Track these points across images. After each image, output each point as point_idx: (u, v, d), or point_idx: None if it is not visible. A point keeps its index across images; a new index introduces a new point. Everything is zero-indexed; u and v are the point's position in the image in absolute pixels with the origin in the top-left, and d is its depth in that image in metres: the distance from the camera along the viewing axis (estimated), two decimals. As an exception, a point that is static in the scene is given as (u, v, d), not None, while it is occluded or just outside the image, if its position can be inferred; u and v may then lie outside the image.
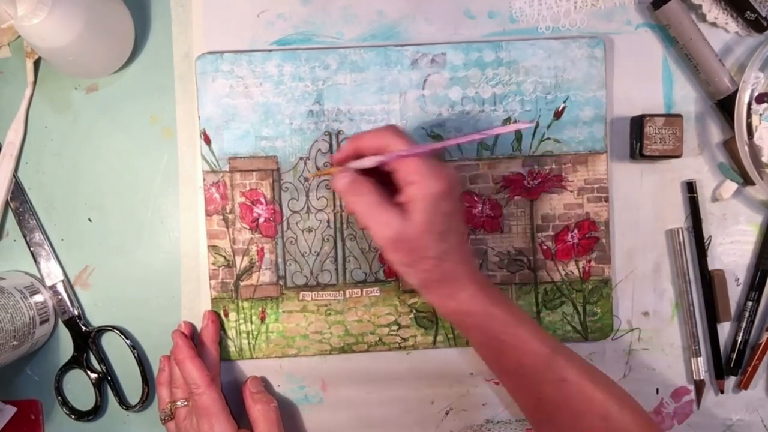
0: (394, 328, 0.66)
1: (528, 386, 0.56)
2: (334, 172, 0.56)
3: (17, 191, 0.65)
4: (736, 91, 0.63)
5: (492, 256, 0.66)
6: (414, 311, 0.66)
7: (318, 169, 0.65)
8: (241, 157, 0.64)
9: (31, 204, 0.66)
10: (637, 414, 0.55)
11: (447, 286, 0.55)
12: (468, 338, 0.58)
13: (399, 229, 0.51)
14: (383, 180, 0.54)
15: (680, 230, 0.66)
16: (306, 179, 0.65)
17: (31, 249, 0.65)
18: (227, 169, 0.64)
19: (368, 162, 0.53)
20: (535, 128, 0.65)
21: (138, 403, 0.66)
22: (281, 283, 0.65)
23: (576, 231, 0.65)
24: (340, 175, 0.54)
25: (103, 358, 0.66)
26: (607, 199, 0.65)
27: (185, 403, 0.62)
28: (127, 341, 0.65)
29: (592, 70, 0.65)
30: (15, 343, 0.60)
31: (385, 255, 0.54)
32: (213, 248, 0.65)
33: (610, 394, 0.55)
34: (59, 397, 0.66)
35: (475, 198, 0.65)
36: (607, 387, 0.55)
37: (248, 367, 0.67)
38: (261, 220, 0.65)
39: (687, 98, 0.66)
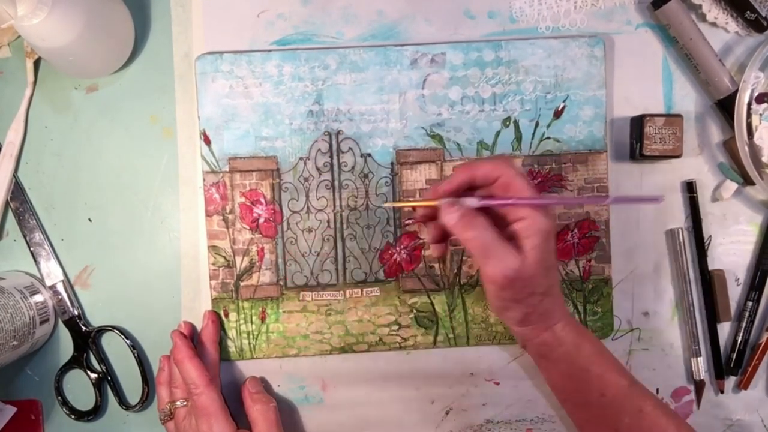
0: (395, 328, 0.66)
1: (608, 417, 0.56)
2: (435, 204, 0.54)
3: (17, 191, 0.65)
4: (736, 91, 0.63)
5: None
6: (414, 311, 0.66)
7: (399, 199, 0.64)
8: (241, 158, 0.64)
9: (31, 204, 0.66)
10: None
11: (545, 319, 0.56)
12: (548, 371, 0.59)
13: (517, 267, 0.51)
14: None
15: (680, 230, 0.66)
16: (306, 179, 0.65)
17: (31, 249, 0.65)
18: (227, 170, 0.65)
19: (495, 202, 0.53)
20: (535, 127, 0.65)
21: (138, 403, 0.66)
22: (281, 283, 0.65)
23: (576, 230, 0.65)
24: (451, 209, 0.53)
25: (103, 358, 0.66)
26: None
27: (185, 403, 0.62)
28: (127, 341, 0.65)
29: (591, 70, 0.65)
30: (15, 343, 0.60)
31: (492, 292, 0.54)
32: (213, 248, 0.65)
33: (680, 426, 0.56)
34: (59, 397, 0.66)
35: (475, 198, 0.65)
36: (676, 419, 0.56)
37: (248, 367, 0.67)
38: (261, 220, 0.65)
39: (687, 98, 0.66)
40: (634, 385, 0.56)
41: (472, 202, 0.53)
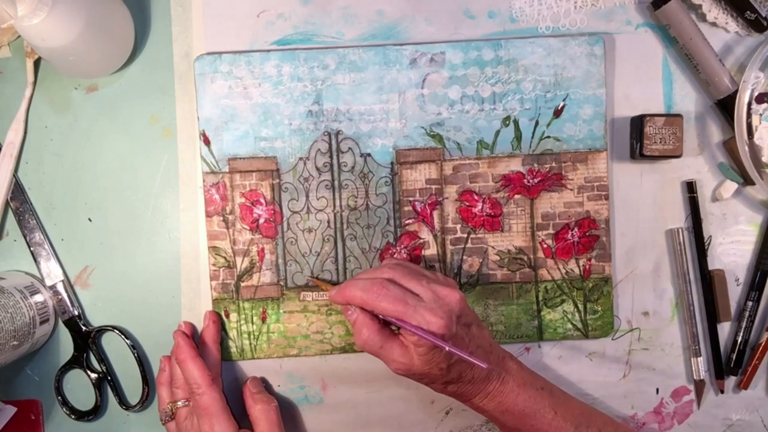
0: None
1: None
2: (329, 291, 0.60)
3: (17, 191, 0.65)
4: (736, 91, 0.63)
5: (492, 254, 0.66)
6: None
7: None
8: (240, 158, 0.64)
9: (31, 204, 0.66)
10: None
11: (460, 397, 0.60)
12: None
13: (406, 367, 0.56)
14: None
15: (680, 230, 0.66)
16: (306, 179, 0.65)
17: (31, 249, 0.65)
18: (227, 170, 0.65)
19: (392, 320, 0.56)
20: (535, 126, 0.65)
21: (138, 403, 0.66)
22: (282, 283, 0.65)
23: (576, 229, 0.65)
24: (347, 312, 0.58)
25: (103, 358, 0.66)
26: (607, 197, 0.65)
27: (186, 403, 0.62)
28: (127, 341, 0.65)
29: (591, 68, 0.65)
30: (15, 343, 0.60)
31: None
32: (213, 249, 0.65)
33: None
34: (59, 397, 0.66)
35: (475, 197, 0.65)
36: None
37: (249, 368, 0.67)
38: (261, 220, 0.65)
39: (687, 98, 0.66)
40: (580, 429, 0.59)
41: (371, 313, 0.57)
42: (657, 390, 0.68)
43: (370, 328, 0.57)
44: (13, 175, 0.65)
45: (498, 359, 0.59)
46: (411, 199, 0.65)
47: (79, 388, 0.67)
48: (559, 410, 0.59)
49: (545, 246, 0.66)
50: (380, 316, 0.56)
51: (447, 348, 0.53)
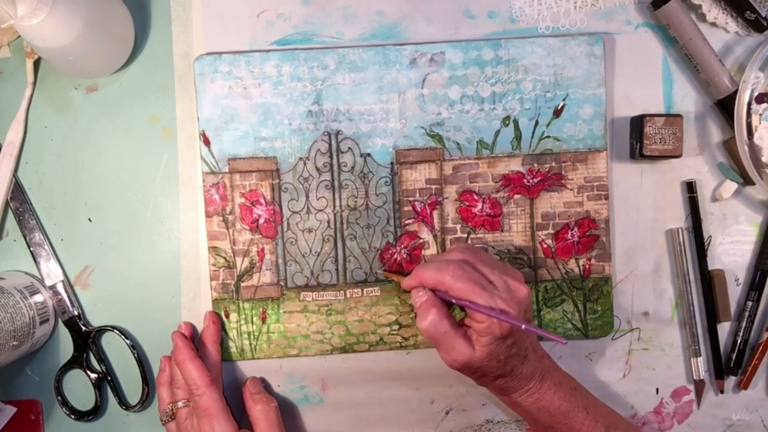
0: (395, 327, 0.66)
1: None
2: (401, 280, 0.60)
3: (17, 191, 0.65)
4: (736, 91, 0.63)
5: (492, 254, 0.66)
6: (415, 310, 0.66)
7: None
8: (240, 158, 0.64)
9: (31, 204, 0.66)
10: None
11: (501, 392, 0.60)
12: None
13: (466, 359, 0.55)
14: None
15: (680, 230, 0.66)
16: (306, 179, 0.65)
17: (31, 249, 0.65)
18: (227, 171, 0.65)
19: (451, 299, 0.56)
20: (535, 126, 0.65)
21: (138, 403, 0.66)
22: (282, 283, 0.65)
23: (576, 229, 0.65)
24: (417, 294, 0.58)
25: (103, 358, 0.66)
26: (607, 197, 0.65)
27: (186, 403, 0.62)
28: (127, 341, 0.65)
29: (591, 68, 0.65)
30: (15, 343, 0.60)
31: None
32: (213, 249, 0.65)
33: None
34: (59, 397, 0.66)
35: (475, 197, 0.65)
36: None
37: (249, 368, 0.67)
38: (261, 220, 0.65)
39: (687, 98, 0.66)
40: (610, 430, 0.59)
41: (444, 296, 0.57)
42: (657, 390, 0.68)
43: (439, 310, 0.56)
44: (13, 175, 0.65)
45: (539, 357, 0.59)
46: (411, 199, 0.65)
47: (79, 388, 0.67)
48: (591, 411, 0.59)
49: (545, 246, 0.66)
50: (452, 301, 0.56)
51: (524, 327, 0.53)
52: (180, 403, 0.62)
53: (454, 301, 0.55)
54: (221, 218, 0.65)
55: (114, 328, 0.66)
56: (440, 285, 0.55)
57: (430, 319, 0.56)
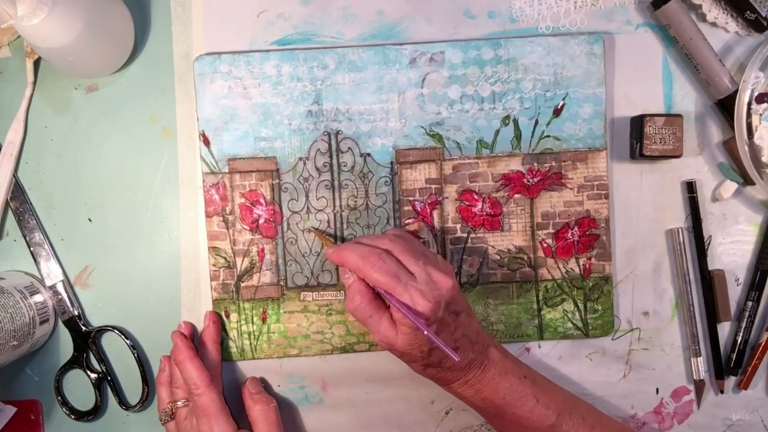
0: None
1: None
2: (328, 247, 0.61)
3: (17, 191, 0.65)
4: (736, 91, 0.63)
5: (492, 254, 0.66)
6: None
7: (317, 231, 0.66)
8: (240, 158, 0.64)
9: (31, 204, 0.66)
10: None
11: (440, 381, 0.60)
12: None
13: (388, 341, 0.57)
14: None
15: (680, 230, 0.66)
16: (305, 179, 0.65)
17: (31, 249, 0.66)
18: (227, 171, 0.65)
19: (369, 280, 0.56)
20: (534, 126, 0.65)
21: (138, 403, 0.66)
22: (282, 283, 0.65)
23: (576, 228, 0.65)
24: (344, 276, 0.59)
25: (103, 358, 0.66)
26: (607, 196, 0.65)
27: (186, 403, 0.62)
28: (127, 341, 0.65)
29: (591, 67, 0.65)
30: (15, 343, 0.60)
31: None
32: (213, 249, 0.65)
33: None
34: (59, 397, 0.66)
35: (475, 196, 0.65)
36: None
37: (249, 368, 0.67)
38: (261, 220, 0.65)
39: (687, 98, 0.66)
40: (563, 417, 0.59)
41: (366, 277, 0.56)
42: (657, 390, 0.68)
43: (363, 295, 0.57)
44: (13, 175, 0.65)
45: (482, 348, 0.59)
46: (411, 198, 0.65)
47: (79, 388, 0.67)
48: (541, 398, 0.59)
49: (545, 245, 0.66)
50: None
51: (425, 332, 0.53)
52: (179, 403, 0.62)
53: (386, 296, 0.56)
54: (221, 218, 0.65)
55: (114, 328, 0.66)
56: (359, 272, 0.56)
57: (356, 304, 0.57)
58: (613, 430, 0.61)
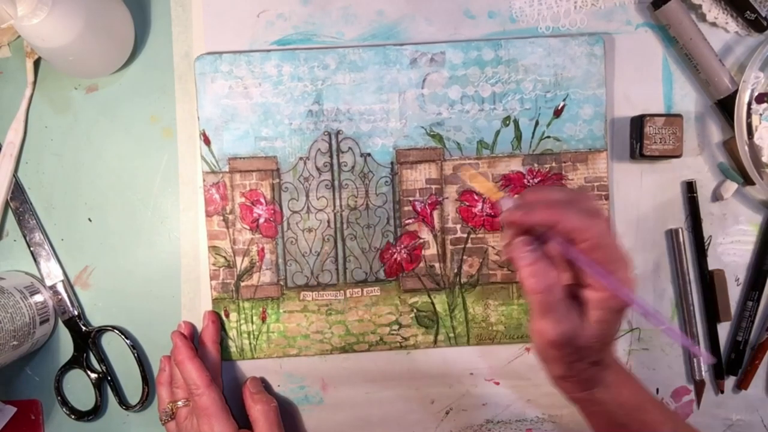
0: (395, 327, 0.66)
1: None
2: (499, 199, 0.50)
3: (17, 191, 0.65)
4: (736, 91, 0.63)
5: (492, 255, 0.66)
6: (415, 310, 0.66)
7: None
8: (240, 158, 0.64)
9: (31, 204, 0.66)
10: None
11: (585, 385, 0.52)
12: (587, 418, 0.56)
13: (573, 335, 0.47)
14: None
15: (680, 230, 0.66)
16: (306, 179, 0.65)
17: (31, 249, 0.65)
18: (227, 170, 0.65)
19: (588, 267, 0.46)
20: (535, 126, 0.65)
21: (138, 403, 0.66)
22: (282, 283, 0.65)
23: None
24: (524, 249, 0.47)
25: (103, 358, 0.66)
26: (607, 197, 0.65)
27: (186, 403, 0.62)
28: (127, 341, 0.65)
29: (591, 68, 0.65)
30: (15, 343, 0.60)
31: (539, 344, 0.49)
32: (213, 249, 0.65)
33: None
34: (59, 397, 0.66)
35: (475, 197, 0.65)
36: None
37: (249, 368, 0.67)
38: (261, 220, 0.65)
39: (687, 98, 0.66)
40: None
41: (553, 246, 0.47)
42: (657, 390, 0.68)
43: (549, 276, 0.46)
44: (13, 175, 0.65)
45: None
46: (411, 198, 0.65)
47: (79, 388, 0.67)
48: (656, 404, 0.55)
49: (545, 246, 0.66)
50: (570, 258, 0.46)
51: (635, 307, 0.45)
52: (180, 403, 0.62)
53: (573, 259, 0.46)
54: (221, 218, 0.65)
55: (114, 328, 0.66)
56: (583, 235, 0.44)
57: (546, 283, 0.46)
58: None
